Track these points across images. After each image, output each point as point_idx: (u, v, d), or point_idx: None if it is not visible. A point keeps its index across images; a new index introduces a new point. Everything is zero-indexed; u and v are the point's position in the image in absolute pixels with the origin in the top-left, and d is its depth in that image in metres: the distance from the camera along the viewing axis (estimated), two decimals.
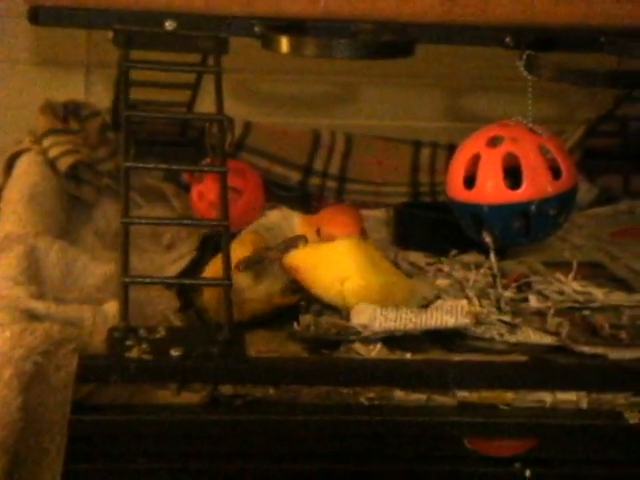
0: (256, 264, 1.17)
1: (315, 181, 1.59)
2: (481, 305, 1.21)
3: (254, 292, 1.18)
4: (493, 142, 1.24)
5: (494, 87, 1.74)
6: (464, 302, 1.16)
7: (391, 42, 1.23)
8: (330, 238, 1.20)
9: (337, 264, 1.16)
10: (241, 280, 1.16)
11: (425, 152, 1.64)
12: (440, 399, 1.06)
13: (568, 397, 1.07)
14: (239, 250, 1.18)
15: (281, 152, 1.60)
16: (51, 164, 1.42)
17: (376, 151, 1.63)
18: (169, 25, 1.25)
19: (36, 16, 1.22)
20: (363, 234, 1.24)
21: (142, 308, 1.17)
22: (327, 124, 1.69)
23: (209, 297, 1.17)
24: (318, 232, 1.23)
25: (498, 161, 1.22)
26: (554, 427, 1.05)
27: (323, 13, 1.28)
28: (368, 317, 1.12)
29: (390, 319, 1.12)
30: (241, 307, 1.15)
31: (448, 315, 1.14)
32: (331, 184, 1.60)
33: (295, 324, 1.14)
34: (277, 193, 1.54)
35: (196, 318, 1.18)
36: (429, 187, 1.61)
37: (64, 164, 1.41)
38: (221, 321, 1.08)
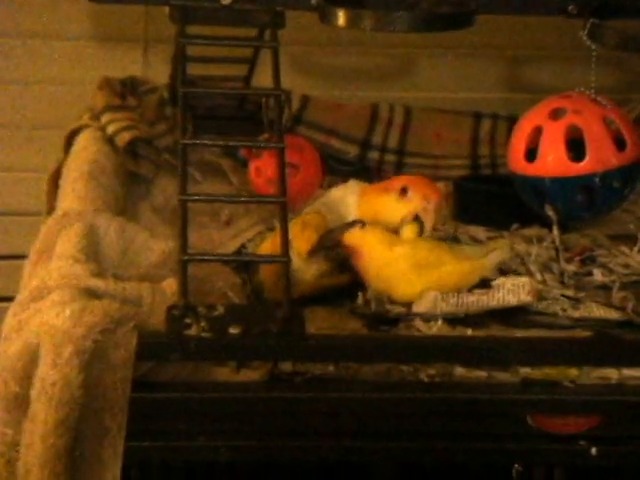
0: (324, 250, 1.16)
1: (373, 155, 1.58)
2: (544, 279, 1.20)
3: (305, 273, 1.17)
4: (556, 114, 1.22)
5: (554, 57, 1.71)
6: (526, 279, 1.14)
7: (450, 14, 1.21)
8: (423, 197, 1.18)
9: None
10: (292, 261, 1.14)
11: (485, 124, 1.62)
12: (502, 376, 1.05)
13: (634, 373, 1.04)
14: (300, 232, 1.16)
15: (339, 126, 1.58)
16: (109, 140, 1.42)
17: (435, 124, 1.61)
18: None
19: None
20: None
21: (200, 285, 1.16)
22: (385, 97, 1.67)
23: (266, 275, 1.17)
24: (404, 191, 1.20)
25: (561, 133, 1.20)
26: (620, 404, 1.03)
27: None
28: (429, 305, 1.11)
29: (451, 304, 1.11)
30: (279, 288, 1.14)
31: (510, 294, 1.13)
32: (390, 158, 1.58)
33: (358, 299, 1.13)
34: (335, 167, 1.53)
35: (252, 296, 1.17)
36: (489, 160, 1.58)
37: (122, 140, 1.41)
38: (277, 298, 1.08)
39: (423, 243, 1.16)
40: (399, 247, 1.14)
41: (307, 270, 1.18)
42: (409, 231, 1.18)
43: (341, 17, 1.20)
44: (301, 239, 1.17)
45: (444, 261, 1.14)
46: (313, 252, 1.17)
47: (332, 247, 1.17)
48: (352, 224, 1.17)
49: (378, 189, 1.23)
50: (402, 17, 1.18)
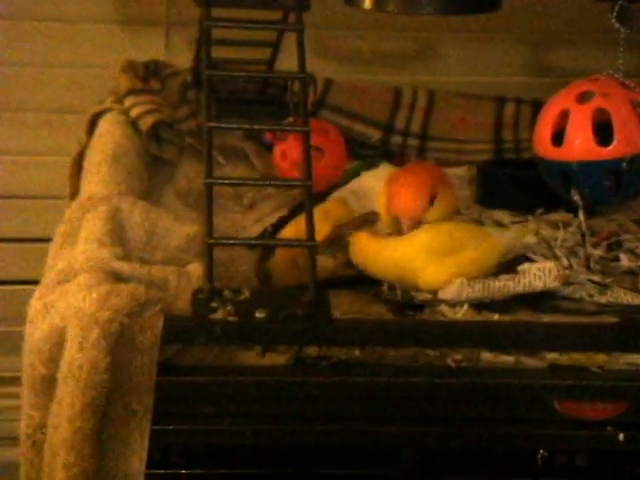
0: (334, 244, 1.15)
1: (396, 139, 1.57)
2: (570, 264, 1.19)
3: (321, 262, 1.16)
4: (583, 97, 1.21)
5: (579, 40, 1.70)
6: (552, 264, 1.14)
7: None
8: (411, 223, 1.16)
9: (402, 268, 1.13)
10: None
11: (509, 108, 1.61)
12: (529, 361, 1.04)
13: None
14: (319, 222, 1.15)
15: (362, 110, 1.57)
16: (133, 124, 1.42)
17: (458, 108, 1.60)
18: None
19: None
20: (437, 198, 1.18)
21: (225, 269, 1.16)
22: (408, 81, 1.66)
23: (278, 261, 1.16)
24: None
25: (588, 117, 1.19)
26: None
27: None
28: (454, 291, 1.10)
29: (477, 290, 1.11)
30: (291, 274, 1.14)
31: (536, 280, 1.12)
32: (413, 142, 1.57)
33: (382, 285, 1.12)
34: (358, 152, 1.52)
35: (259, 281, 1.16)
36: (513, 144, 1.57)
37: (146, 124, 1.40)
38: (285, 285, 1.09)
39: (443, 228, 1.15)
40: (418, 237, 1.13)
41: (323, 260, 1.17)
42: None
43: (367, 0, 1.19)
44: (321, 228, 1.16)
45: (465, 245, 1.13)
46: (324, 245, 1.16)
47: (344, 241, 1.16)
48: (365, 218, 1.16)
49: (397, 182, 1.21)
50: (427, 0, 1.17)
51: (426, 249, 1.12)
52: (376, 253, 1.13)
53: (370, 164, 1.42)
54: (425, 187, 1.17)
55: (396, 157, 1.55)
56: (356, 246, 1.14)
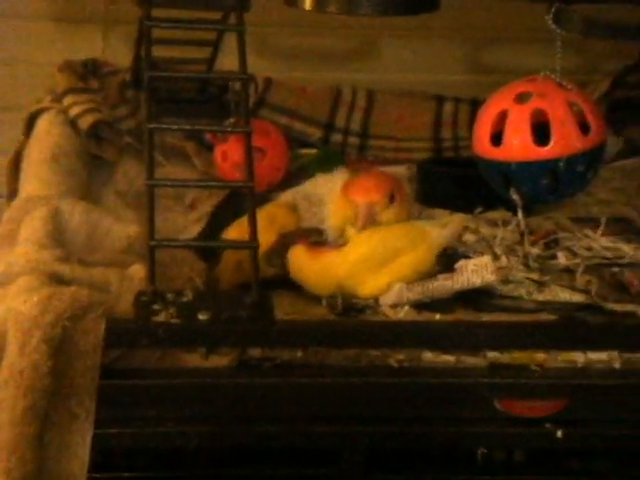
0: (277, 255, 1.15)
1: (337, 138, 1.58)
2: (509, 262, 1.20)
3: (263, 269, 1.15)
4: (521, 98, 1.22)
5: (516, 38, 1.72)
6: (488, 259, 1.15)
7: None
8: (355, 206, 1.16)
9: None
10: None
11: (447, 107, 1.62)
12: (470, 360, 1.05)
13: (600, 357, 1.06)
14: (265, 227, 1.15)
15: (302, 109, 1.58)
16: (72, 123, 1.41)
17: (397, 107, 1.61)
18: None
19: None
20: (395, 197, 1.18)
21: (166, 269, 1.16)
22: (348, 78, 1.67)
23: (225, 265, 1.16)
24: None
25: (526, 117, 1.20)
26: (586, 387, 1.04)
27: None
28: (395, 297, 1.11)
29: (416, 292, 1.11)
30: (237, 276, 1.14)
31: (474, 275, 1.13)
32: (353, 140, 1.58)
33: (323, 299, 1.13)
34: (298, 151, 1.52)
35: (207, 284, 1.16)
36: (452, 142, 1.59)
37: (85, 123, 1.39)
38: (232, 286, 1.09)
39: (375, 239, 1.14)
40: (352, 253, 1.13)
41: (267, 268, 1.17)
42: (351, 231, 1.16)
43: (307, 1, 1.19)
44: (265, 234, 1.15)
45: (400, 251, 1.13)
46: (268, 255, 1.16)
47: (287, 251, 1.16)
48: (311, 231, 1.16)
49: (357, 176, 1.21)
50: (367, 1, 1.18)
51: (361, 264, 1.12)
52: (313, 272, 1.13)
53: (327, 156, 1.42)
54: (387, 182, 1.17)
55: (350, 161, 1.54)
56: (294, 262, 1.14)
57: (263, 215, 1.16)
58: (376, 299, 1.12)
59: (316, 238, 1.15)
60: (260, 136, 1.32)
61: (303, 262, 1.14)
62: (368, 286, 1.12)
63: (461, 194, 1.38)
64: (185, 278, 1.20)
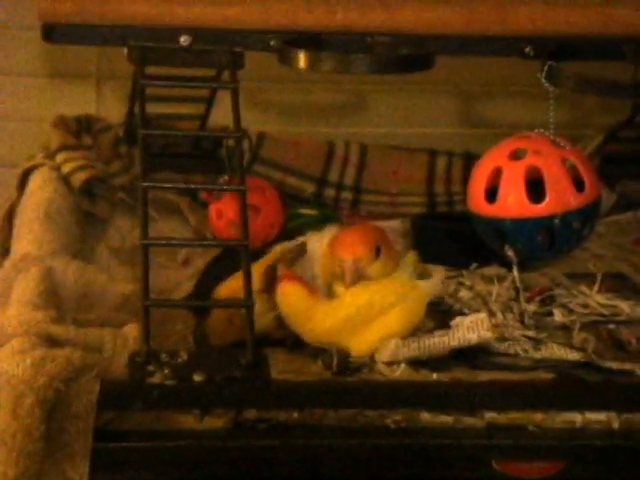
0: (271, 283, 1.15)
1: (330, 192, 1.58)
2: (505, 320, 1.20)
3: (258, 318, 1.15)
4: (515, 155, 1.22)
5: (509, 93, 1.73)
6: (484, 316, 1.14)
7: (410, 56, 1.21)
8: (341, 261, 1.15)
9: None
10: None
11: (441, 161, 1.62)
12: (468, 421, 1.05)
13: (598, 417, 1.05)
14: (258, 277, 1.15)
15: (295, 164, 1.58)
16: (65, 180, 1.40)
17: (391, 161, 1.62)
18: (184, 40, 1.24)
19: (51, 34, 1.21)
20: (381, 249, 1.18)
21: (160, 327, 1.15)
22: (340, 133, 1.67)
23: (213, 320, 1.15)
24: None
25: (521, 174, 1.21)
26: (584, 448, 1.03)
27: (339, 26, 1.26)
28: (391, 354, 1.10)
29: (413, 348, 1.11)
30: (228, 333, 1.13)
31: (470, 332, 1.13)
32: (346, 195, 1.58)
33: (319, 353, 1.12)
34: (292, 205, 1.52)
35: (196, 341, 1.15)
36: (446, 197, 1.59)
37: (78, 180, 1.39)
38: (222, 344, 1.09)
39: (363, 297, 1.12)
40: (342, 309, 1.12)
41: (264, 311, 1.16)
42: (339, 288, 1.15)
43: (302, 59, 1.20)
44: (255, 277, 1.14)
45: (388, 307, 1.12)
46: (262, 289, 1.15)
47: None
48: (296, 251, 1.16)
49: (343, 231, 1.20)
50: (362, 59, 1.18)
51: (350, 321, 1.11)
52: (306, 318, 1.12)
53: (325, 217, 1.42)
54: (372, 236, 1.16)
55: (343, 215, 1.54)
56: (286, 299, 1.13)
57: (258, 268, 1.16)
58: (372, 356, 1.12)
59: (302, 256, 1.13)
60: (254, 194, 1.32)
61: (296, 303, 1.12)
62: (357, 343, 1.11)
63: (456, 249, 1.37)
64: (179, 336, 1.19)
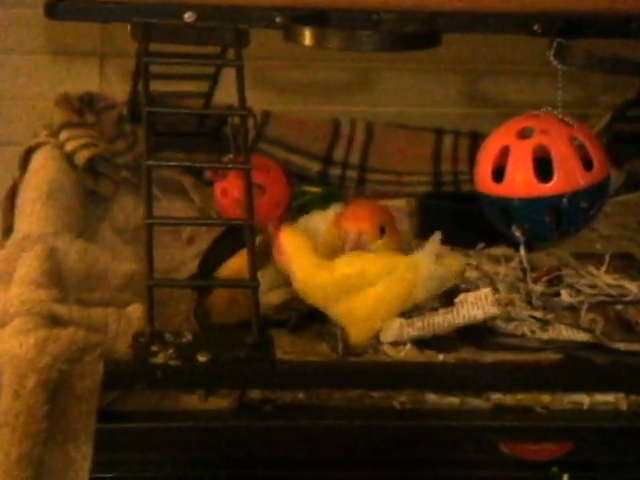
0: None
1: (335, 171, 1.56)
2: (512, 300, 1.19)
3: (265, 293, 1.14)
4: (523, 134, 1.21)
5: (515, 71, 1.71)
6: (487, 290, 1.13)
7: (417, 33, 1.20)
8: (345, 233, 1.15)
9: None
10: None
11: (447, 140, 1.61)
12: (474, 402, 1.04)
13: (606, 398, 1.04)
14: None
15: (300, 142, 1.57)
16: (68, 158, 1.39)
17: (397, 140, 1.60)
18: (188, 17, 1.22)
19: (53, 10, 1.20)
20: (385, 229, 1.17)
21: (164, 307, 1.14)
22: (346, 111, 1.65)
23: (216, 299, 1.14)
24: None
25: (528, 153, 1.19)
26: (592, 430, 1.03)
27: (345, 2, 1.25)
28: (396, 334, 1.09)
29: (417, 328, 1.10)
30: (232, 312, 1.12)
31: (475, 308, 1.11)
32: (352, 174, 1.57)
33: (325, 327, 1.11)
34: (297, 184, 1.51)
35: (197, 321, 1.14)
36: (452, 176, 1.58)
37: (82, 158, 1.38)
38: (225, 324, 1.08)
39: (356, 263, 1.12)
40: (334, 270, 1.11)
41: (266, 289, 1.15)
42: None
43: (307, 36, 1.19)
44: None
45: (380, 277, 1.11)
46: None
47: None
48: None
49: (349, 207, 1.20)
50: (369, 36, 1.17)
51: (338, 287, 1.10)
52: (302, 265, 1.10)
53: (329, 195, 1.41)
54: (379, 215, 1.17)
55: (349, 194, 1.53)
56: (288, 239, 1.12)
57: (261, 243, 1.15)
58: (377, 336, 1.11)
59: None
60: (260, 172, 1.31)
61: (297, 243, 1.11)
62: (338, 310, 1.10)
63: (462, 229, 1.36)
64: (183, 316, 1.19)
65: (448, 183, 1.57)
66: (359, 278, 1.10)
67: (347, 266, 1.11)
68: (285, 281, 1.13)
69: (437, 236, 1.14)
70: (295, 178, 1.52)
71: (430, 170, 1.58)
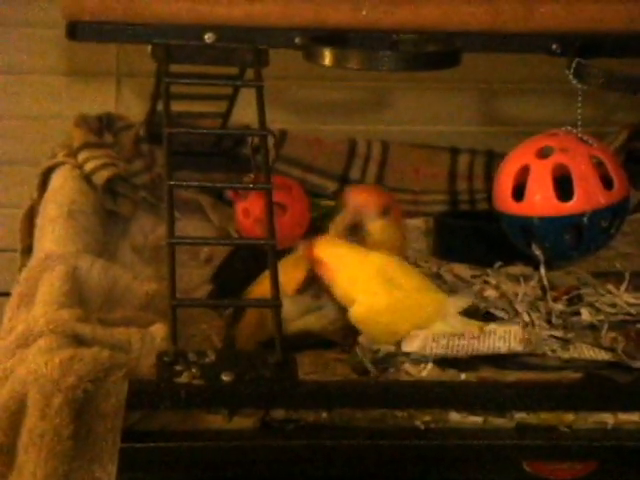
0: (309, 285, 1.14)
1: None
2: (532, 320, 1.19)
3: (290, 314, 1.14)
4: (543, 153, 1.21)
5: (531, 90, 1.71)
6: (517, 328, 1.14)
7: (437, 53, 1.20)
8: (356, 209, 1.18)
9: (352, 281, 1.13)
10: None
11: (463, 159, 1.61)
12: (497, 421, 1.04)
13: (631, 418, 1.04)
14: (290, 272, 1.14)
15: (317, 161, 1.57)
16: (87, 178, 1.40)
17: (413, 159, 1.61)
18: (208, 38, 1.23)
19: (74, 32, 1.20)
20: (389, 212, 1.20)
21: (185, 327, 1.15)
22: (362, 130, 1.66)
23: (247, 323, 1.15)
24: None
25: (548, 172, 1.20)
26: (616, 449, 1.02)
27: (365, 23, 1.26)
28: (419, 345, 1.09)
29: (441, 345, 1.10)
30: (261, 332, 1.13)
31: (501, 341, 1.12)
32: None
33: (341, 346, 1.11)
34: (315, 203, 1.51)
35: (224, 343, 1.15)
36: (468, 195, 1.58)
37: (101, 178, 1.39)
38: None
39: (395, 260, 1.15)
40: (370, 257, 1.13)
41: (292, 312, 1.15)
42: None
43: (327, 57, 1.19)
44: (289, 278, 1.14)
45: (408, 283, 1.13)
46: (300, 290, 1.15)
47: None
48: None
49: None
50: (389, 56, 1.17)
51: (374, 269, 1.12)
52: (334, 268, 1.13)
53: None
54: (385, 196, 1.22)
55: None
56: (327, 247, 1.14)
57: (287, 263, 1.15)
58: (398, 345, 1.11)
59: None
60: (281, 192, 1.31)
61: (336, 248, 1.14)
62: (368, 295, 1.11)
63: (478, 248, 1.36)
64: (203, 335, 1.19)
65: (464, 202, 1.57)
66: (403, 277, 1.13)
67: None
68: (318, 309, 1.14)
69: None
70: (312, 197, 1.53)
71: (446, 189, 1.58)
